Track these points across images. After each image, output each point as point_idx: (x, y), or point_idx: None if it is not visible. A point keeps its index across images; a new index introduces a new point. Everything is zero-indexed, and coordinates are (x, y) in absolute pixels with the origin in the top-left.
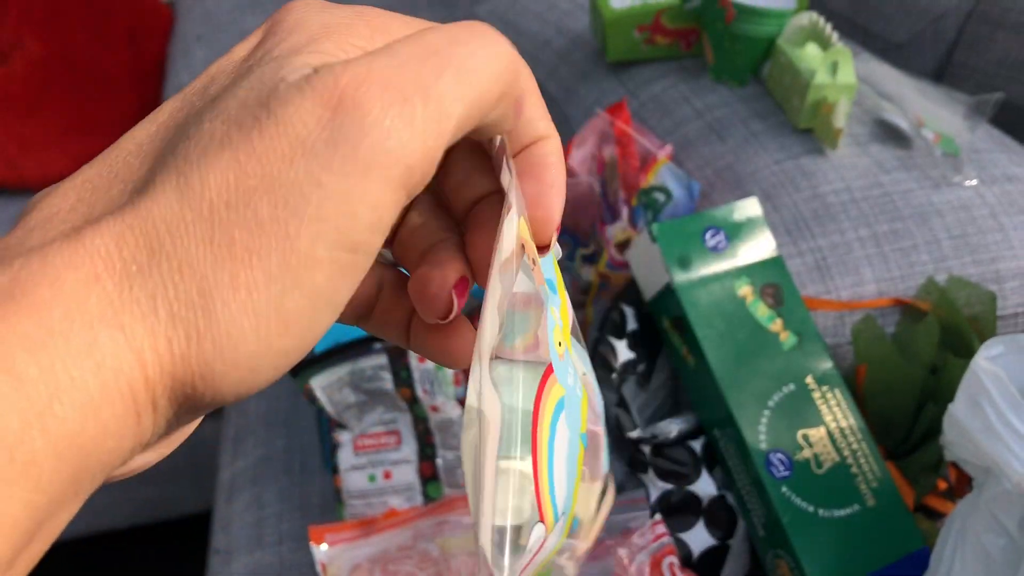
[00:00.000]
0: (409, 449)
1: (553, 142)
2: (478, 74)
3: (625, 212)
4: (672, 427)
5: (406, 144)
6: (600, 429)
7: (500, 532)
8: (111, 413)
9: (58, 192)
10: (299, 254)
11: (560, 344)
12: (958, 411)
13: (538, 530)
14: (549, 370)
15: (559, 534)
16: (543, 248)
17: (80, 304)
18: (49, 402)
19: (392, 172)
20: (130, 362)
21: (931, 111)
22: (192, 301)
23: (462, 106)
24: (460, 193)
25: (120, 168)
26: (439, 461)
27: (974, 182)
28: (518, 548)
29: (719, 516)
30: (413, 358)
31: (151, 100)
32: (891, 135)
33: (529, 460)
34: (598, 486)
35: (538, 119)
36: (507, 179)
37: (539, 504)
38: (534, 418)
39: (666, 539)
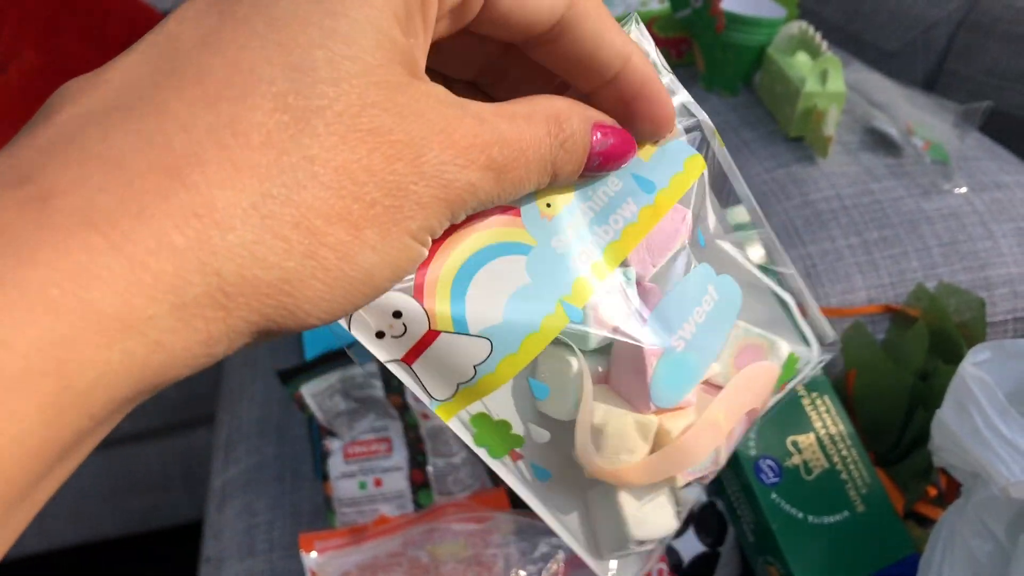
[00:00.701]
0: (400, 456)
1: (637, 55)
2: None
3: None
4: None
5: None
6: (651, 355)
7: None
8: (182, 345)
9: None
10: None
11: (548, 206)
12: (946, 417)
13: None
14: (508, 210)
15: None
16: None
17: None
18: (121, 335)
19: None
20: (202, 295)
21: (921, 119)
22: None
23: None
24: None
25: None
26: (430, 468)
27: (964, 190)
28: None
29: (709, 523)
30: None
31: None
32: (881, 143)
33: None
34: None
35: (614, 36)
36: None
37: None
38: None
39: None
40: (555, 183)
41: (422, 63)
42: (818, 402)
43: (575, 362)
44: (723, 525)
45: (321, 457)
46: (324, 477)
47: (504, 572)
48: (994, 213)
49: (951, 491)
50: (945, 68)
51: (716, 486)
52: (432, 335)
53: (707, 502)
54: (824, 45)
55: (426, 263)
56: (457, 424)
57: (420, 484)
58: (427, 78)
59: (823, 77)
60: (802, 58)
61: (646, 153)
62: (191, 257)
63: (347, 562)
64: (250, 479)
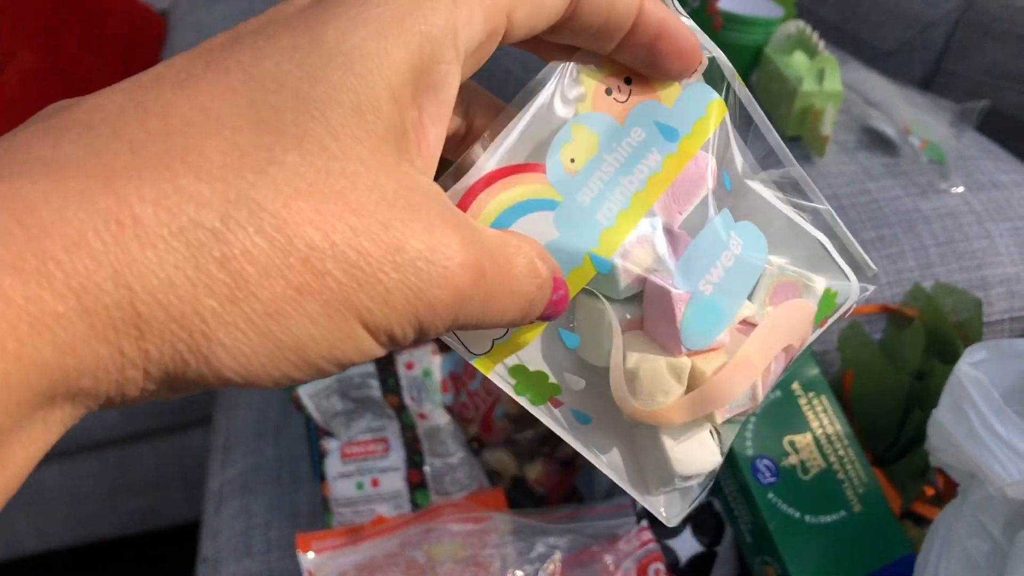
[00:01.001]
0: (397, 457)
1: (650, 3)
2: None
3: None
4: None
5: None
6: (679, 298)
7: None
8: (92, 354)
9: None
10: None
11: (572, 160)
12: (942, 416)
13: None
14: (534, 168)
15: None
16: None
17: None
18: (29, 327)
19: None
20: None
21: (918, 118)
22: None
23: None
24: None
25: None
26: (427, 468)
27: (960, 189)
28: None
29: (706, 522)
30: (401, 366)
31: None
32: (878, 142)
33: None
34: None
35: None
36: None
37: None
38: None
39: (652, 546)
40: (520, 324)
41: (428, 134)
42: (815, 402)
43: (604, 310)
44: (720, 525)
45: (318, 457)
46: (321, 477)
47: (501, 572)
48: (991, 213)
49: (948, 491)
50: (942, 67)
51: (713, 486)
52: None
53: (704, 502)
54: (821, 44)
55: (479, 207)
56: (496, 376)
57: (417, 484)
58: (425, 159)
59: (820, 76)
60: (799, 57)
61: (669, 98)
62: (105, 263)
63: (344, 562)
64: (247, 480)
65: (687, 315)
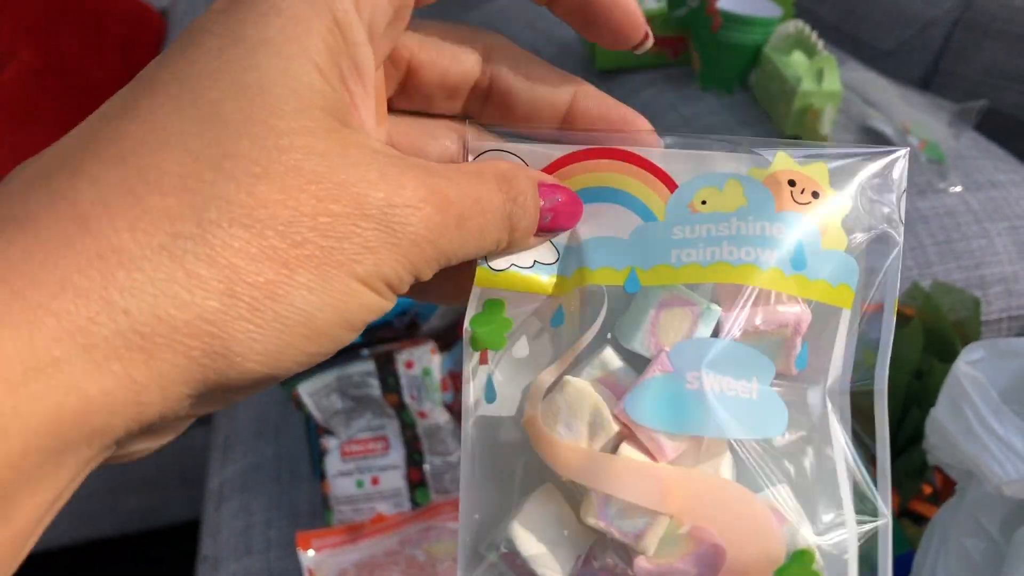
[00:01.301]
0: (397, 455)
1: None
2: None
3: None
4: None
5: None
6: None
7: None
8: (99, 388)
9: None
10: None
11: (704, 203)
12: (940, 415)
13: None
14: (665, 178)
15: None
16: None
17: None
18: (25, 376)
19: None
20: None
21: (917, 118)
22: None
23: None
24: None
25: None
26: (427, 467)
27: (959, 188)
28: None
29: None
30: (400, 365)
31: None
32: (877, 142)
33: None
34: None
35: None
36: None
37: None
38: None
39: None
40: (513, 241)
41: (360, 113)
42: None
43: (601, 317)
44: None
45: (318, 456)
46: (321, 475)
47: None
48: (989, 212)
49: (946, 489)
50: (941, 67)
51: None
52: None
53: None
54: (820, 44)
55: (568, 161)
56: (476, 293)
57: (417, 482)
58: (364, 128)
59: (819, 76)
60: (798, 57)
61: (831, 240)
62: (95, 297)
63: (344, 560)
64: (247, 478)
65: (652, 384)
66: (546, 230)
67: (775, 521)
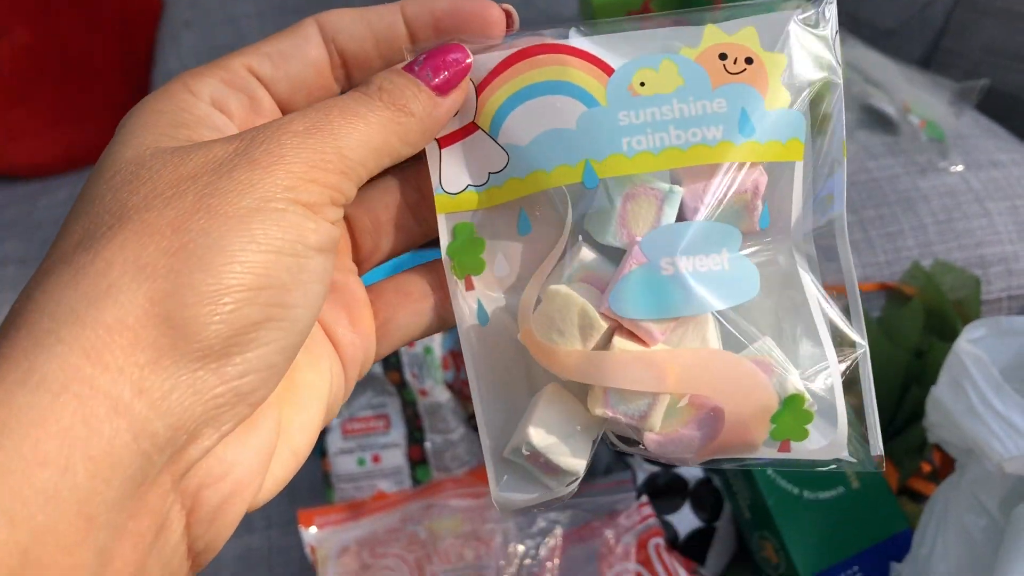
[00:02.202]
0: (398, 433)
1: (411, 8)
2: None
3: None
4: None
5: None
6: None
7: None
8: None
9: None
10: None
11: (643, 84)
12: (940, 393)
13: None
14: (603, 65)
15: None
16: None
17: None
18: None
19: None
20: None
21: (918, 97)
22: None
23: None
24: None
25: None
26: (428, 445)
27: (960, 168)
28: None
29: (705, 498)
30: None
31: (140, 87)
32: (878, 121)
33: None
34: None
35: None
36: None
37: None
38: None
39: (652, 520)
40: (426, 116)
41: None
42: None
43: (566, 223)
44: (719, 501)
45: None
46: (322, 453)
47: (502, 547)
48: (990, 191)
49: (945, 467)
50: (942, 46)
51: (712, 461)
52: (472, 127)
53: (703, 478)
54: None
55: (505, 65)
56: (443, 222)
57: (418, 460)
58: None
59: None
60: None
61: (773, 102)
62: (78, 450)
63: (346, 537)
64: None
65: (631, 277)
66: (446, 87)
67: (763, 375)
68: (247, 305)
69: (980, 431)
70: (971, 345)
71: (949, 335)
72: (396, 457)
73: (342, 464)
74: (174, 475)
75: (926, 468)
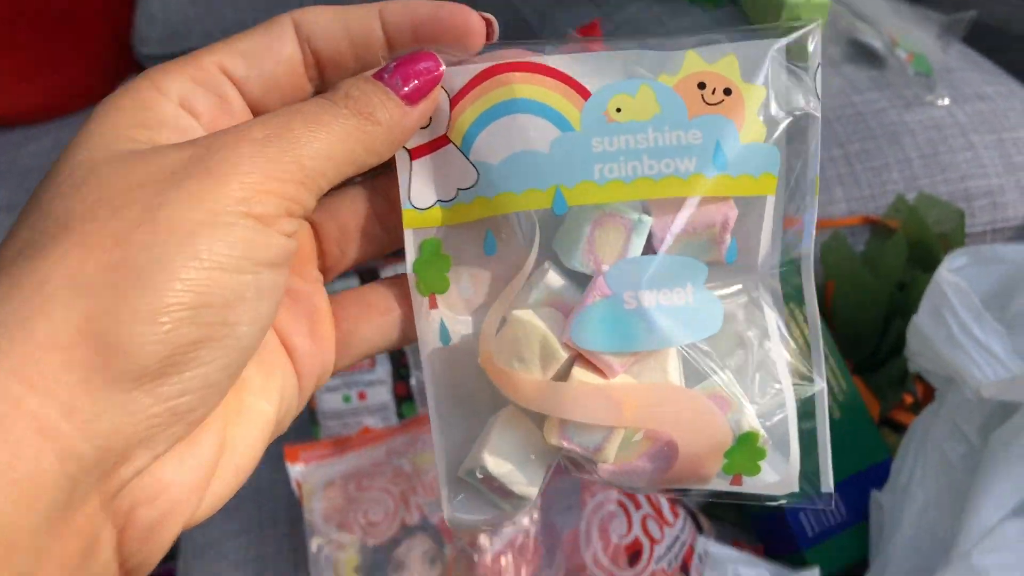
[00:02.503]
0: (383, 370)
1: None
2: None
3: None
4: None
5: None
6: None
7: None
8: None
9: None
10: None
11: (619, 111)
12: (921, 322)
13: None
14: (579, 87)
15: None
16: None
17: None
18: None
19: None
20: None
21: (905, 30)
22: None
23: None
24: None
25: None
26: (413, 381)
27: (946, 101)
28: None
29: None
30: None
31: (122, 35)
32: (864, 55)
33: None
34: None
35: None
36: None
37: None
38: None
39: None
40: (394, 125)
41: None
42: (796, 312)
43: (532, 251)
44: None
45: None
46: None
47: None
48: (976, 125)
49: (926, 398)
50: None
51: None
52: (444, 140)
53: None
54: None
55: (480, 79)
56: (409, 237)
57: (403, 397)
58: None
59: None
60: None
61: (748, 135)
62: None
63: (332, 471)
64: None
65: (593, 309)
66: (416, 96)
67: (719, 412)
68: (186, 324)
69: (960, 358)
70: (952, 274)
71: (933, 268)
72: (382, 394)
73: (328, 401)
74: (104, 496)
75: (908, 400)
